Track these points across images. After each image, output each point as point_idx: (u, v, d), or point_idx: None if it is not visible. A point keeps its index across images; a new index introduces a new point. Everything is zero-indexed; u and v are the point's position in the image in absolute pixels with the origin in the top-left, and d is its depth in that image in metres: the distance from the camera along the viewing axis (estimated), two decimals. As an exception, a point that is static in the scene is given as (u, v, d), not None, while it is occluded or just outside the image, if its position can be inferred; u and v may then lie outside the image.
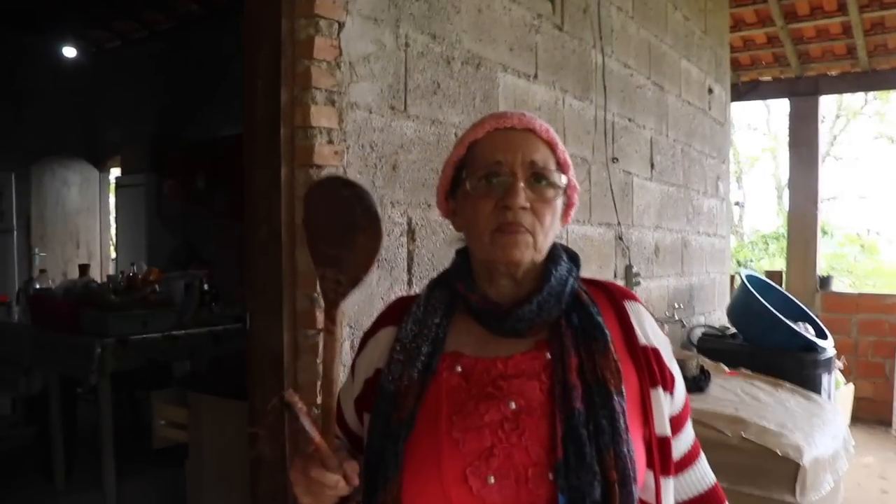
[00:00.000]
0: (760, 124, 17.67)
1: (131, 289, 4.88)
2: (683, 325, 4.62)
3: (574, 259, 1.29)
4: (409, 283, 2.64)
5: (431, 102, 2.73)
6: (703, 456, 1.31)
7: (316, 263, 1.17)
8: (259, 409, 2.41)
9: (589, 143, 3.75)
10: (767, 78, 7.60)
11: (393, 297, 1.87)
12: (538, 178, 1.19)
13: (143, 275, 5.31)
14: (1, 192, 8.43)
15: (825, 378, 4.37)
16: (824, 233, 12.89)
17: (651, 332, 1.24)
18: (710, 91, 5.40)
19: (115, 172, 9.76)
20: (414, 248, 2.66)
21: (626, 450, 1.09)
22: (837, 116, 16.51)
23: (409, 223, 2.64)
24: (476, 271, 1.26)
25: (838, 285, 8.39)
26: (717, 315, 5.46)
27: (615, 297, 1.27)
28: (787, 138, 7.81)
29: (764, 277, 5.28)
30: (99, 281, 5.46)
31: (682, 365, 3.24)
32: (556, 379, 1.15)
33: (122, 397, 5.32)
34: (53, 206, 9.54)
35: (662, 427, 1.18)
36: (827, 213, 13.64)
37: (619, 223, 4.02)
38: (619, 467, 1.08)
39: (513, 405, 1.13)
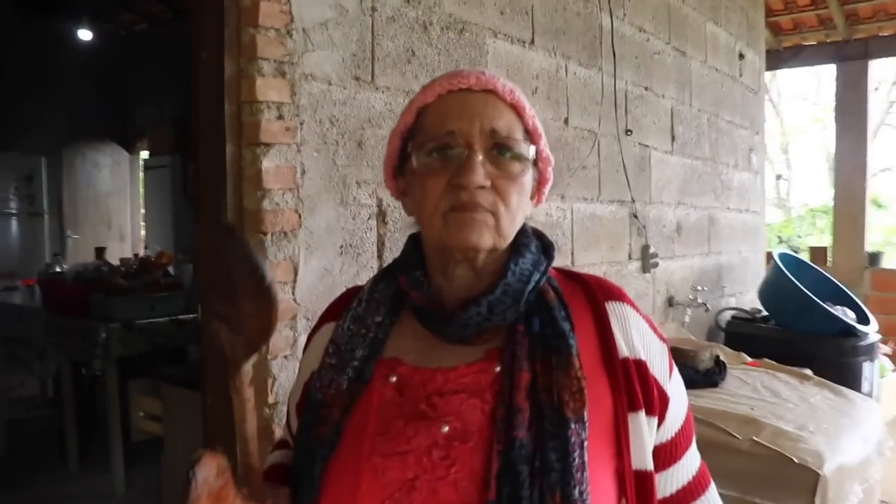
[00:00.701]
0: (810, 93, 16.99)
1: (143, 272, 4.82)
2: (707, 309, 4.31)
3: (546, 249, 1.10)
4: (379, 269, 2.41)
5: (405, 72, 2.49)
6: (712, 489, 1.11)
7: (207, 315, 0.99)
8: (211, 407, 2.21)
9: (596, 114, 3.47)
10: (812, 42, 7.14)
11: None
12: (501, 149, 1.00)
13: (155, 258, 5.25)
14: (32, 176, 8.44)
15: (867, 366, 4.06)
16: (878, 206, 12.34)
17: (638, 341, 1.03)
18: (741, 56, 5.04)
19: (144, 154, 9.72)
20: (385, 231, 2.43)
21: (577, 492, 0.89)
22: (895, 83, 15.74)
23: (380, 204, 2.42)
24: (430, 261, 1.07)
25: (891, 261, 7.92)
26: (749, 297, 5.13)
27: (595, 297, 1.06)
28: (834, 106, 7.35)
29: (799, 256, 4.95)
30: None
31: (695, 357, 2.97)
32: (501, 399, 0.95)
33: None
34: (84, 189, 9.58)
35: (642, 459, 0.98)
36: (882, 186, 13.07)
37: (633, 200, 3.74)
38: None
39: (445, 429, 0.95)
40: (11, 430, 5.00)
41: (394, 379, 1.01)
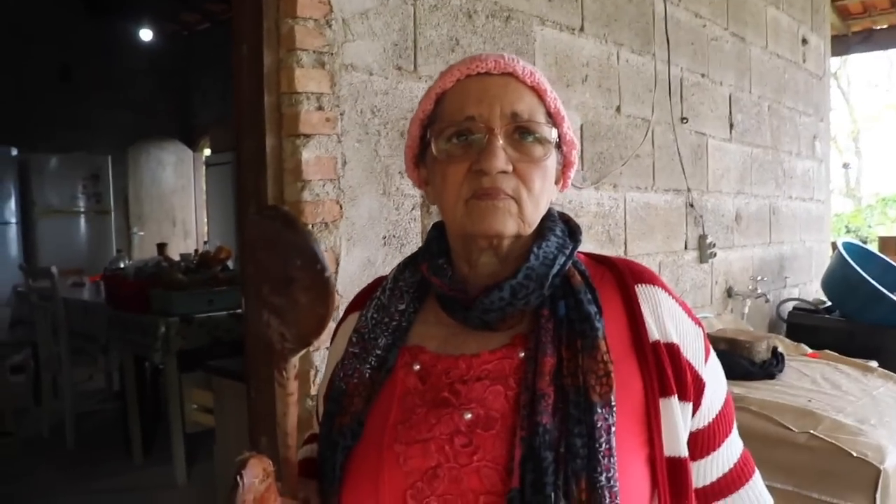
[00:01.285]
0: (882, 80, 16.45)
1: (203, 267, 4.89)
2: (768, 300, 4.19)
3: (573, 232, 1.06)
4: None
5: (449, 61, 2.46)
6: (756, 478, 1.06)
7: (257, 306, 0.96)
8: (255, 399, 2.22)
9: (650, 102, 3.39)
10: (883, 26, 6.88)
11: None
12: (523, 133, 0.98)
13: (214, 253, 5.33)
14: (98, 175, 8.64)
15: (936, 358, 3.89)
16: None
17: (671, 324, 0.99)
18: (805, 42, 4.88)
19: (207, 152, 9.91)
20: (429, 222, 2.41)
21: (605, 479, 0.86)
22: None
23: (423, 195, 2.39)
24: (454, 250, 1.05)
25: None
26: (813, 288, 4.98)
27: (624, 280, 1.02)
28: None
29: (866, 245, 4.78)
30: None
31: (751, 348, 2.88)
32: (524, 384, 0.92)
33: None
34: (149, 186, 9.81)
35: (675, 446, 0.94)
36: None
37: (689, 189, 3.65)
38: (594, 502, 0.85)
39: (468, 416, 0.92)
40: (80, 423, 5.12)
41: (417, 367, 1.00)
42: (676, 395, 0.95)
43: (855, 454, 2.29)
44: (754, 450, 1.10)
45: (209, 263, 4.99)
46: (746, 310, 4.04)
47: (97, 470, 4.54)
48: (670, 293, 1.03)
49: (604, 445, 0.87)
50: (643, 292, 1.01)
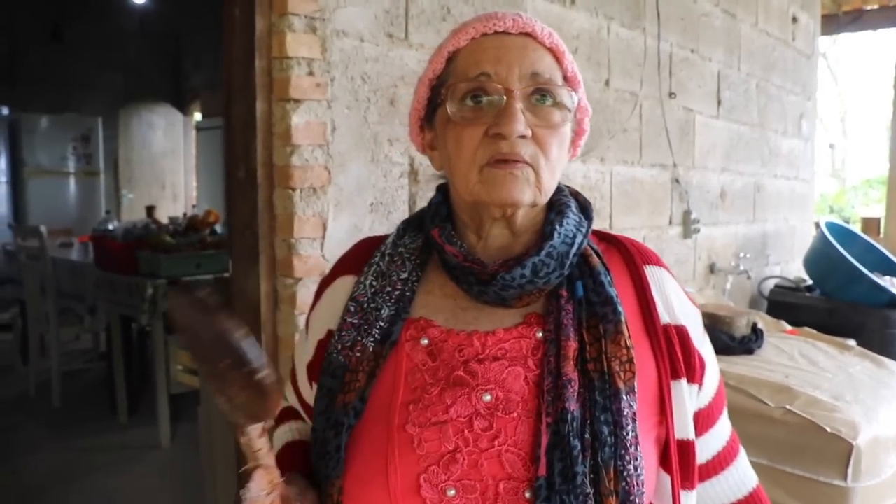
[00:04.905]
0: (873, 61, 16.48)
1: (191, 230, 4.91)
2: (749, 277, 4.24)
3: (585, 209, 1.03)
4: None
5: (440, 30, 2.47)
6: (742, 455, 1.06)
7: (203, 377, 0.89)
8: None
9: (638, 77, 3.41)
10: (874, 6, 6.88)
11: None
12: (542, 95, 0.92)
13: (202, 216, 5.34)
14: (89, 137, 8.62)
15: (915, 338, 3.95)
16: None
17: (678, 307, 0.98)
18: (795, 20, 4.89)
19: (198, 116, 9.87)
20: (417, 189, 2.44)
21: (632, 468, 0.85)
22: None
23: (412, 163, 2.42)
24: (460, 218, 1.00)
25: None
26: (795, 266, 5.03)
27: (634, 261, 1.00)
28: (895, 73, 7.10)
29: (847, 225, 4.81)
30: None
31: (731, 323, 2.92)
32: (546, 368, 0.89)
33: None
34: (139, 149, 9.79)
35: (685, 429, 0.94)
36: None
37: (675, 164, 3.68)
38: (622, 491, 0.84)
39: (487, 398, 0.88)
40: (67, 382, 5.16)
41: (425, 342, 0.94)
42: (686, 378, 0.94)
43: (829, 430, 2.33)
44: (731, 423, 1.12)
45: (197, 227, 5.01)
46: (728, 286, 4.09)
47: (82, 429, 4.59)
48: (672, 273, 1.02)
49: (630, 433, 0.86)
50: (652, 273, 0.99)
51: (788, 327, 3.39)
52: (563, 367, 0.88)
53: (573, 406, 0.86)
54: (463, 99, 0.92)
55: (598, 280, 0.95)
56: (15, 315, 5.81)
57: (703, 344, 0.99)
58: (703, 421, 0.99)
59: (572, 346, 0.90)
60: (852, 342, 3.26)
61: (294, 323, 2.13)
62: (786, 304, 4.18)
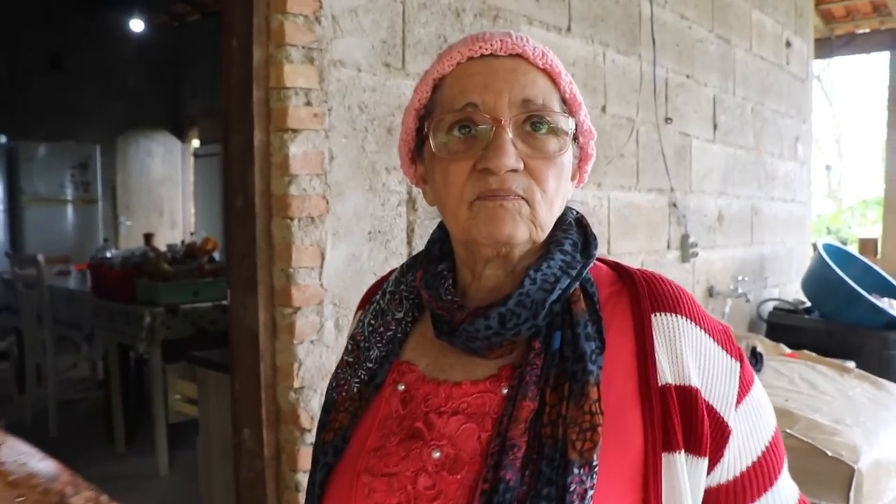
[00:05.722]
0: (867, 83, 16.60)
1: (189, 258, 4.91)
2: (748, 300, 4.24)
3: (587, 246, 0.91)
4: (409, 256, 2.43)
5: (436, 59, 2.49)
6: None
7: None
8: (238, 390, 2.25)
9: (635, 102, 3.43)
10: (865, 30, 6.95)
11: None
12: (535, 123, 0.84)
13: (201, 244, 5.34)
14: (87, 164, 8.64)
15: (914, 360, 3.95)
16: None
17: (693, 361, 0.83)
18: (788, 44, 4.93)
19: (196, 143, 9.91)
20: (415, 218, 2.44)
21: None
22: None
23: (410, 191, 2.42)
24: (458, 255, 0.93)
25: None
26: (793, 288, 5.03)
27: (640, 306, 0.86)
28: (887, 95, 7.15)
29: (845, 247, 4.83)
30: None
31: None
32: (498, 429, 0.81)
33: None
34: (137, 177, 9.81)
35: None
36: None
37: (672, 189, 3.69)
38: None
39: (437, 454, 0.82)
40: (64, 411, 5.14)
41: (402, 387, 0.90)
42: (684, 449, 0.80)
43: (830, 453, 2.33)
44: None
45: (195, 254, 5.01)
46: (727, 309, 4.09)
47: (79, 458, 4.45)
48: (700, 320, 0.86)
49: None
50: (660, 323, 0.85)
51: (788, 350, 3.39)
52: (512, 429, 0.79)
53: (510, 476, 0.76)
54: (449, 131, 0.85)
55: (576, 332, 0.83)
56: (11, 344, 5.79)
57: (731, 406, 0.84)
58: (733, 496, 0.85)
59: (528, 406, 0.80)
60: (851, 364, 3.26)
61: (293, 352, 2.12)
62: (785, 327, 4.18)
